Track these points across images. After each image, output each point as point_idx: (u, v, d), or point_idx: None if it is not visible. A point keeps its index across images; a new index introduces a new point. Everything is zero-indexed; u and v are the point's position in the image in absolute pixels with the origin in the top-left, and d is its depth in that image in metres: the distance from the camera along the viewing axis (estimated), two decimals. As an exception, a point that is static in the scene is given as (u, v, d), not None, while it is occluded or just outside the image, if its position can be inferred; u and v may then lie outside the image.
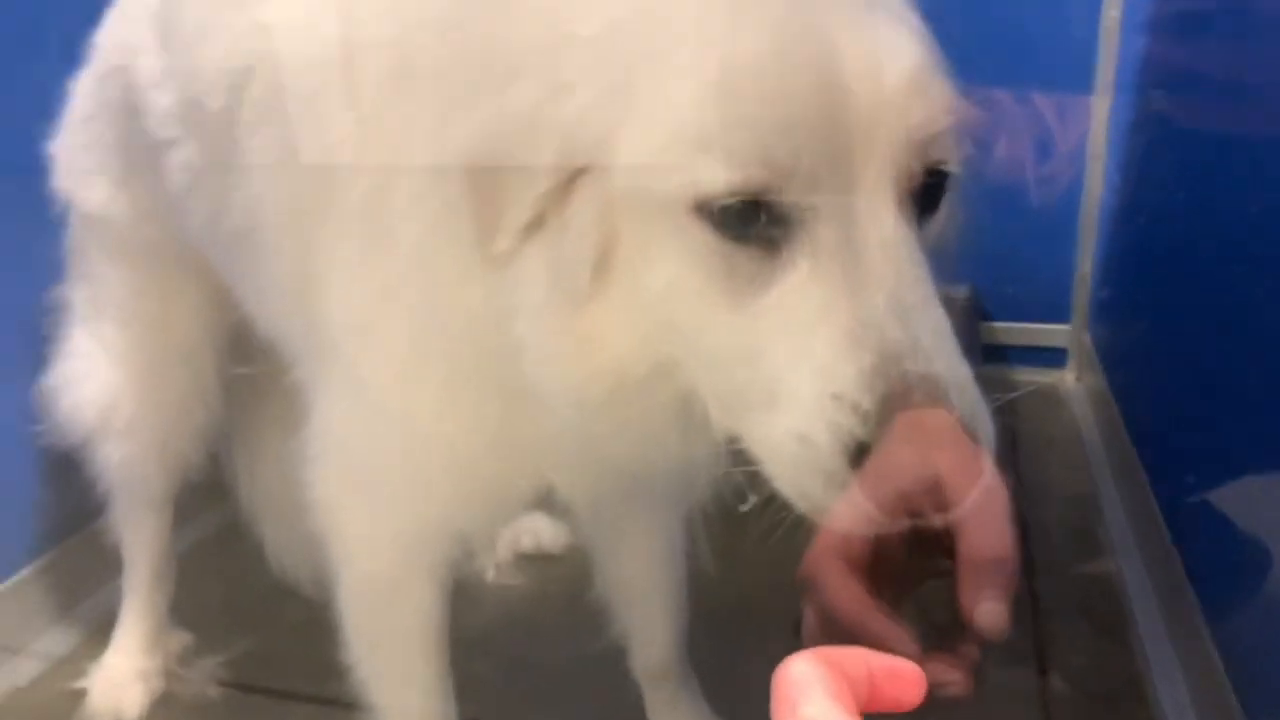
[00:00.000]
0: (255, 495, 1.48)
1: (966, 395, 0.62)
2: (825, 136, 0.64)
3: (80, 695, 1.42)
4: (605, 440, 0.80)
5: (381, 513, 0.98)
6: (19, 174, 1.32)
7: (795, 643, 1.53)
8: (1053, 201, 2.19)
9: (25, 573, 1.55)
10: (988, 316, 2.32)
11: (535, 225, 0.71)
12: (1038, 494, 1.85)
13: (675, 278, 0.68)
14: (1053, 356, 2.34)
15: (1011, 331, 2.34)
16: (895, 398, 0.61)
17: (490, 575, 1.65)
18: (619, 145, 0.68)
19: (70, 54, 1.24)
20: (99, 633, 1.51)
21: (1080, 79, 2.13)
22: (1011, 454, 1.90)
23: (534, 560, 1.69)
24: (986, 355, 2.28)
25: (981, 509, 0.76)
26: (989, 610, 0.68)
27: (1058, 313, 2.32)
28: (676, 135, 0.66)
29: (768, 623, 1.48)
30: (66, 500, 1.46)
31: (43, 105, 1.26)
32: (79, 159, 1.26)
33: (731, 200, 0.64)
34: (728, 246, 0.65)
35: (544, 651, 1.45)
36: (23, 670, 1.49)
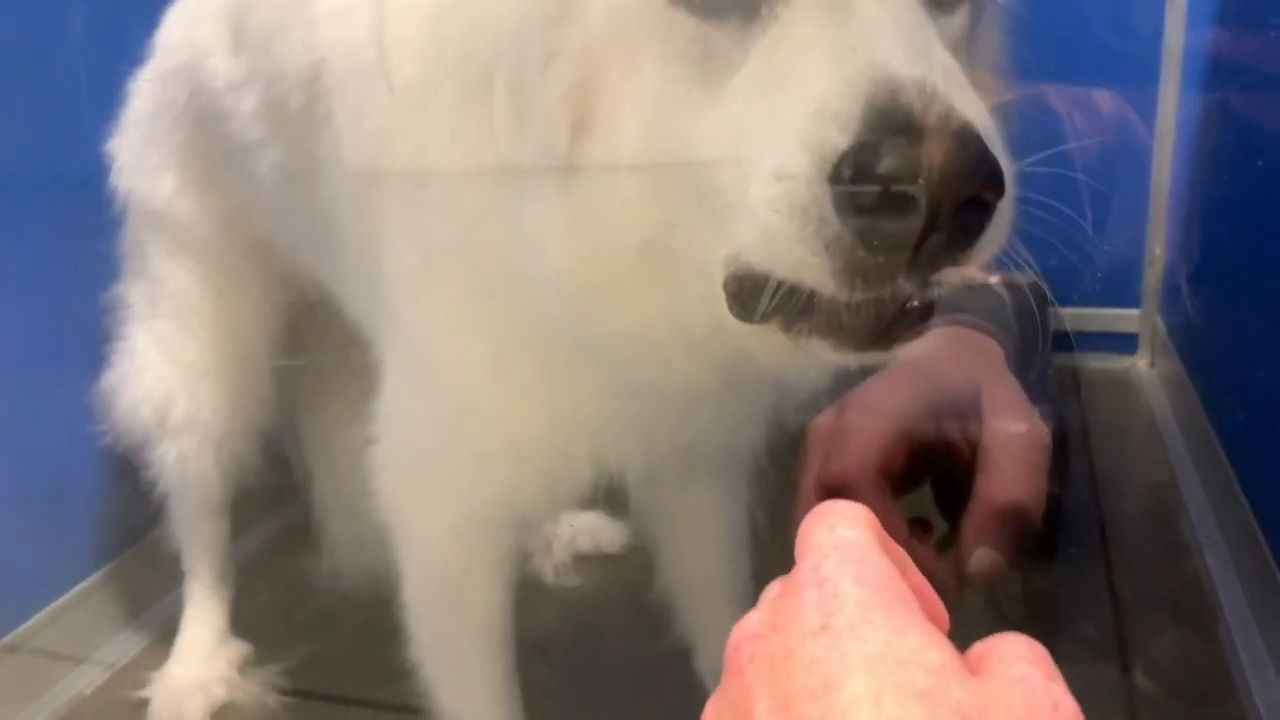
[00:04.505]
0: (324, 494, 1.49)
1: (980, 121, 0.55)
2: None
3: (143, 705, 1.41)
4: (608, 349, 0.77)
5: (442, 496, 0.96)
6: (70, 175, 1.33)
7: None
8: (1119, 185, 2.13)
9: (90, 581, 1.55)
10: (1053, 302, 2.25)
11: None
12: (1113, 484, 1.78)
13: (656, 83, 0.64)
14: (1123, 342, 2.26)
15: (1079, 317, 2.26)
16: (884, 98, 0.54)
17: (549, 577, 1.62)
18: None
19: (119, 54, 1.25)
20: (163, 640, 1.51)
21: (1146, 66, 2.08)
22: (1083, 443, 1.83)
23: (592, 561, 1.66)
24: (1053, 342, 2.22)
25: (1011, 452, 0.77)
26: (982, 556, 0.69)
27: (1127, 297, 2.24)
28: None
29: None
30: (131, 507, 1.46)
31: (93, 106, 1.28)
32: (141, 158, 1.27)
33: None
34: (705, 28, 0.62)
35: (606, 654, 1.42)
36: (86, 679, 1.49)
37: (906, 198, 0.52)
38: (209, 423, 1.32)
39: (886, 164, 0.52)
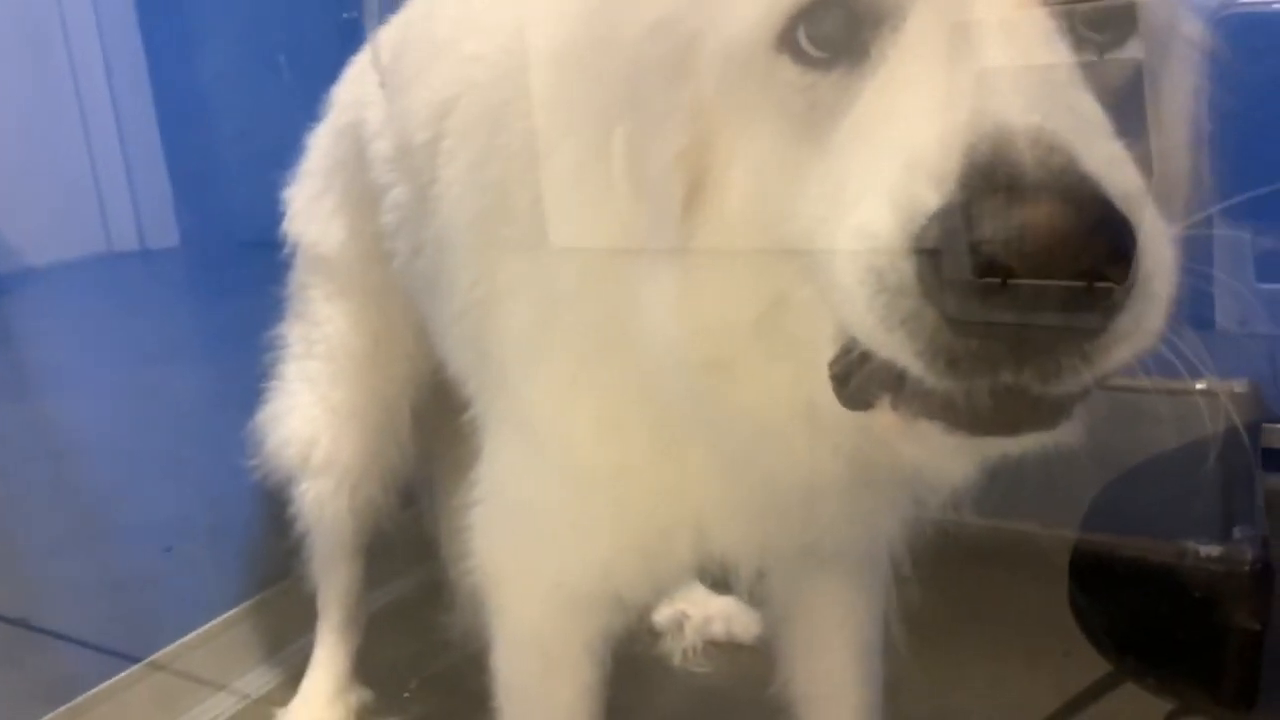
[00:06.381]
0: (453, 552, 1.48)
1: (1114, 177, 0.45)
2: None
3: (265, 737, 1.44)
4: (725, 430, 0.72)
5: (539, 562, 0.94)
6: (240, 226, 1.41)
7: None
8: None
9: (235, 612, 1.61)
10: (1272, 417, 2.02)
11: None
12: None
13: (764, 142, 0.60)
14: (1352, 465, 2.01)
15: (1300, 436, 2.03)
16: (988, 151, 0.45)
17: (677, 660, 1.56)
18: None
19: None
20: (297, 678, 1.52)
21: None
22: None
23: (723, 648, 1.59)
24: (1269, 461, 1.99)
25: None
26: None
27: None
28: None
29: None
30: (279, 545, 1.49)
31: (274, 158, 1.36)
32: (313, 206, 1.34)
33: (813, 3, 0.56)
34: (811, 77, 0.57)
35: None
36: (221, 706, 1.53)
37: (1003, 271, 0.44)
38: (347, 465, 1.34)
39: (981, 229, 0.44)
